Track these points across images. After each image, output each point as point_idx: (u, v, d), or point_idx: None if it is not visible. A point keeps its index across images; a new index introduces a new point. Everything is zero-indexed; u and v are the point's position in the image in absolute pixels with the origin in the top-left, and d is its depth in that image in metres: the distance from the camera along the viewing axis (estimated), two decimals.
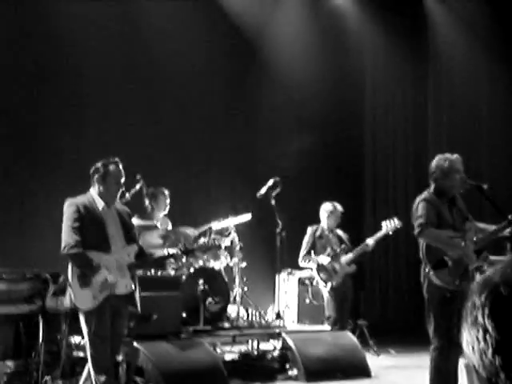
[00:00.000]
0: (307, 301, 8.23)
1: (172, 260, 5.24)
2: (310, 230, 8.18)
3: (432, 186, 5.48)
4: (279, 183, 8.01)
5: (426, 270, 5.33)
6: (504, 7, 11.07)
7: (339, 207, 8.18)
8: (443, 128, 11.67)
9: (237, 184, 10.01)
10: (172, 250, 5.50)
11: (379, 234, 7.94)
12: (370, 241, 7.97)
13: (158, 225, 7.58)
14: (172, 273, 7.25)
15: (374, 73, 11.65)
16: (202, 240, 7.56)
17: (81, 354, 5.05)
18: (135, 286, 5.13)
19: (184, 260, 6.47)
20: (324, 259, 8.02)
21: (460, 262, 5.30)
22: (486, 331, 1.01)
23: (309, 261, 8.06)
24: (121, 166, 5.15)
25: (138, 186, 7.09)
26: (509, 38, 11.08)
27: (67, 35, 8.92)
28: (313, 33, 10.83)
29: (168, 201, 7.70)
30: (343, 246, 8.12)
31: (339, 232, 8.27)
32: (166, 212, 7.76)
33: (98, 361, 4.86)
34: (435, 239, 5.34)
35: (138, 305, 5.16)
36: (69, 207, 4.99)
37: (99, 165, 5.12)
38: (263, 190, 7.99)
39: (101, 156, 5.16)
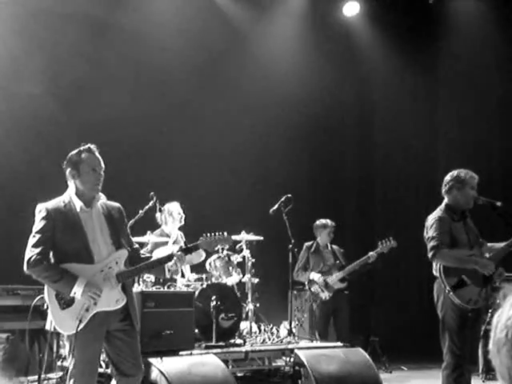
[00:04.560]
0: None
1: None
2: (305, 246, 8.36)
3: (444, 201, 5.47)
4: (291, 200, 8.05)
5: (447, 290, 5.23)
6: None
7: (330, 222, 8.34)
8: (454, 148, 11.66)
9: (250, 199, 10.04)
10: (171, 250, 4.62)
11: (377, 251, 7.97)
12: (373, 254, 7.98)
13: (171, 241, 7.60)
14: (184, 289, 7.28)
15: (384, 101, 11.74)
16: (215, 257, 7.62)
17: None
18: (131, 298, 4.31)
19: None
20: (315, 275, 8.10)
21: (477, 278, 5.27)
22: None
23: (302, 275, 8.19)
24: (97, 153, 4.30)
25: (151, 203, 7.13)
26: None
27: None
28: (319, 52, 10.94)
29: (180, 216, 7.74)
30: (337, 261, 8.17)
31: (334, 247, 8.37)
32: (177, 226, 7.77)
33: None
34: (450, 259, 5.26)
35: (137, 320, 4.32)
36: (38, 214, 4.17)
37: (69, 155, 4.29)
38: (276, 206, 8.03)
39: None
